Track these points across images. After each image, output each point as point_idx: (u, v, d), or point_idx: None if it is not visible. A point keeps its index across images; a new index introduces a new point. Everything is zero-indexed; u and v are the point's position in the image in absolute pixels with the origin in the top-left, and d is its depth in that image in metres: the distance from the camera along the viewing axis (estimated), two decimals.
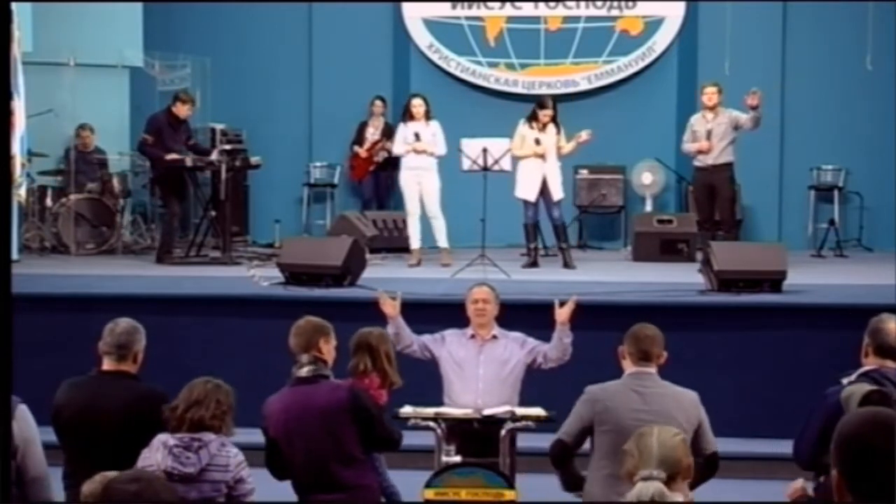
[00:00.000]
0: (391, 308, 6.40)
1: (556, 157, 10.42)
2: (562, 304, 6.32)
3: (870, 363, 4.69)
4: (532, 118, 10.42)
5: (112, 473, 3.80)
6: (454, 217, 10.82)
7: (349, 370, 5.52)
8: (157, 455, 4.32)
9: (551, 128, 10.39)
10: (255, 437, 5.12)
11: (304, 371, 4.98)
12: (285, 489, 5.09)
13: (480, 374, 6.22)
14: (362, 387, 5.29)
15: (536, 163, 10.34)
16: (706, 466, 4.77)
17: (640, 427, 4.59)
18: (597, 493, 4.81)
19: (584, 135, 10.37)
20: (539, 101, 10.73)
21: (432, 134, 10.65)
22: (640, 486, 3.21)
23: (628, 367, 4.98)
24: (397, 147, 10.89)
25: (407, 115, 10.79)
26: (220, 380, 4.55)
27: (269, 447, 4.99)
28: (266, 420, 4.98)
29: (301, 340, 5.09)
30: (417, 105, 10.72)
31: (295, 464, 4.94)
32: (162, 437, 4.37)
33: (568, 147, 10.40)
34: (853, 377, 4.64)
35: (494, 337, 6.33)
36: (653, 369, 4.94)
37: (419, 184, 10.66)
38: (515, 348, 6.30)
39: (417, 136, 10.61)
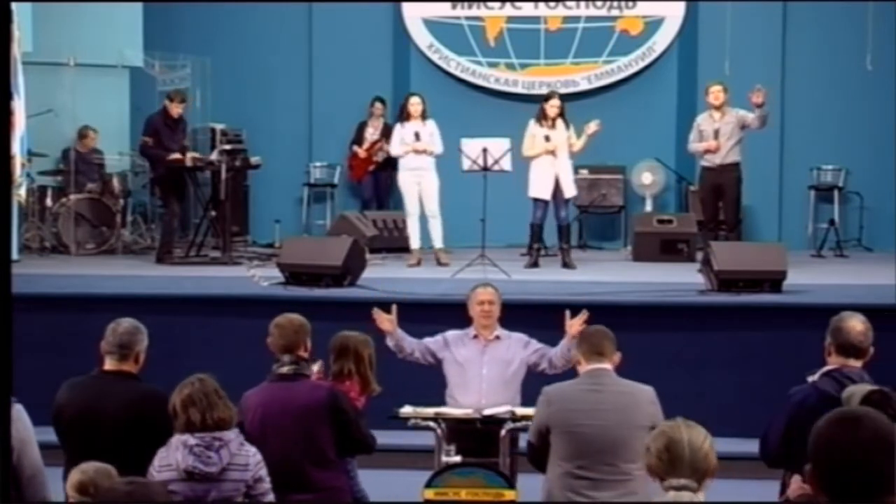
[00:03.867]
0: (388, 324, 6.33)
1: (568, 154, 10.40)
2: (573, 314, 6.28)
3: (833, 362, 4.70)
4: (541, 117, 10.40)
5: (92, 464, 3.82)
6: (454, 217, 10.82)
7: (331, 374, 5.48)
8: (176, 455, 4.28)
9: (560, 125, 10.35)
10: None
11: (286, 368, 4.97)
12: None
13: (484, 374, 6.20)
14: (343, 390, 5.28)
15: (548, 160, 10.30)
16: None
17: (594, 427, 4.64)
18: (555, 494, 4.82)
19: (592, 126, 10.31)
20: (545, 96, 10.74)
21: (430, 133, 10.62)
22: (672, 496, 3.23)
23: (583, 368, 4.94)
24: (395, 148, 10.84)
25: (404, 115, 10.75)
26: (203, 375, 4.47)
27: None
28: (242, 414, 4.93)
29: (283, 341, 5.06)
30: (416, 104, 10.68)
31: (268, 461, 4.92)
32: (181, 437, 4.32)
33: (579, 143, 10.35)
34: (817, 376, 4.66)
35: (497, 337, 6.31)
36: (608, 366, 4.89)
37: (418, 184, 10.63)
38: (518, 349, 6.29)
39: (418, 136, 10.57)
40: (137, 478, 3.87)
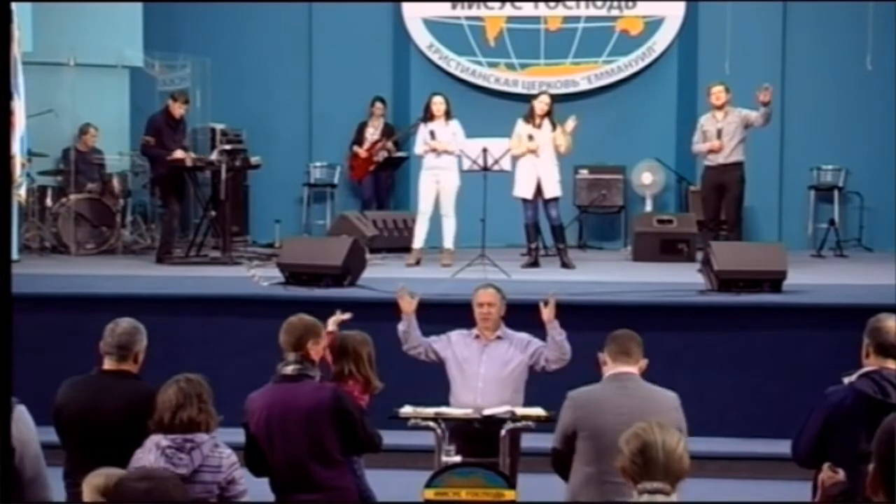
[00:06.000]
0: (408, 305, 6.41)
1: (555, 154, 10.40)
2: (560, 311, 6.30)
3: (870, 363, 4.63)
4: (529, 116, 10.43)
5: (115, 470, 3.83)
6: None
7: (332, 375, 5.49)
8: (149, 456, 4.29)
9: (546, 125, 10.38)
10: None
11: (290, 369, 4.96)
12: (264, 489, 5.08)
13: (481, 373, 6.20)
14: (346, 390, 5.28)
15: (531, 160, 10.34)
16: None
17: (621, 430, 4.60)
18: (579, 495, 4.82)
19: (570, 122, 10.36)
20: (537, 94, 10.78)
21: (452, 133, 10.61)
22: (646, 499, 3.23)
23: (609, 370, 4.95)
24: (417, 147, 10.86)
25: (427, 114, 10.77)
26: (193, 375, 4.47)
27: (249, 443, 4.97)
28: (247, 416, 4.95)
29: (291, 339, 5.05)
30: (437, 103, 10.68)
31: (274, 462, 4.92)
32: (155, 438, 4.34)
33: (562, 141, 10.35)
34: (854, 377, 4.62)
35: (499, 337, 6.32)
36: (634, 370, 4.90)
37: (437, 183, 10.62)
38: (519, 349, 6.28)
39: (433, 135, 10.58)
40: (153, 470, 3.88)
